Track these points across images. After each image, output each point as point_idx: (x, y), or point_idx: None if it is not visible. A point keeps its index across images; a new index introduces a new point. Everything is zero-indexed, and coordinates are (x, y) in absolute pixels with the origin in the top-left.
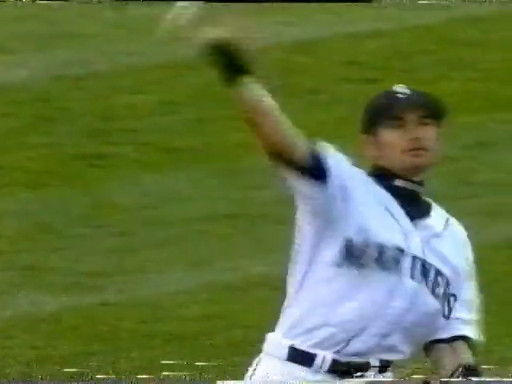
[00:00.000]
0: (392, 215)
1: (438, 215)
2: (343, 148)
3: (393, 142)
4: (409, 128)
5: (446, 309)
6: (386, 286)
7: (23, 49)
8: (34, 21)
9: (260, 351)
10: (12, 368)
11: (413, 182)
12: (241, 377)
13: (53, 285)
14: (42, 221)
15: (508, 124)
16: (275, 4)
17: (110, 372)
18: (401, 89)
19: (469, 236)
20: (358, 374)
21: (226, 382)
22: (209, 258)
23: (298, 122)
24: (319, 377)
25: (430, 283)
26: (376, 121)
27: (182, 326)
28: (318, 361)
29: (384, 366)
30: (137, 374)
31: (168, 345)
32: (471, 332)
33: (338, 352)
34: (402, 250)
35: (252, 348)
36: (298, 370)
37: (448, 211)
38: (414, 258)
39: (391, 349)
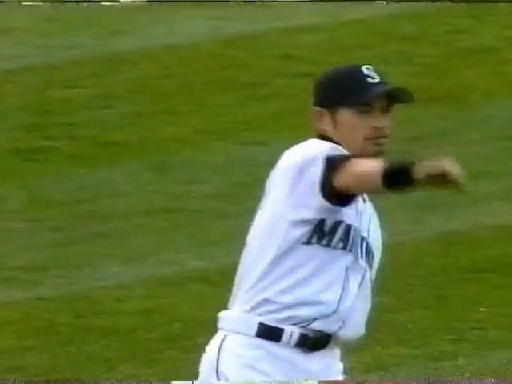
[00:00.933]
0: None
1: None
2: (280, 141)
3: (356, 126)
4: (374, 115)
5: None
6: (345, 266)
7: None
8: None
9: (215, 331)
10: None
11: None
12: (177, 370)
13: None
14: None
15: (443, 118)
16: None
17: (47, 367)
18: (368, 71)
19: (406, 230)
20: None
21: (180, 382)
22: (145, 252)
23: (234, 115)
24: (287, 351)
25: (373, 264)
26: (340, 99)
27: (118, 321)
28: (285, 336)
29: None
30: (77, 369)
31: (105, 339)
32: None
33: (305, 327)
34: (358, 231)
35: (189, 342)
36: (267, 344)
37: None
38: (363, 238)
39: (351, 327)
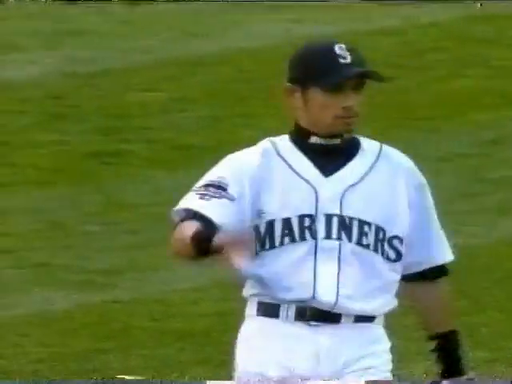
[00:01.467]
0: (301, 177)
1: (363, 158)
2: None
3: (326, 105)
4: (345, 94)
5: (392, 254)
6: (299, 256)
7: (34, 46)
8: (45, 18)
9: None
10: (24, 366)
11: (330, 137)
12: None
13: (65, 282)
14: (54, 218)
15: None
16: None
17: (120, 369)
18: (341, 50)
19: (482, 233)
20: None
21: (213, 381)
22: None
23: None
24: (289, 326)
25: (355, 236)
26: (311, 78)
27: (193, 323)
28: (282, 311)
29: (361, 317)
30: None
31: (179, 342)
32: (441, 259)
33: (301, 302)
34: (308, 215)
35: None
36: (268, 322)
37: (396, 150)
38: (328, 216)
39: (353, 301)
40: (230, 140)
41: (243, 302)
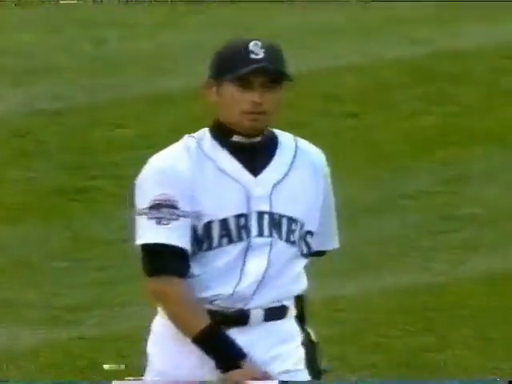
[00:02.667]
0: (232, 178)
1: (283, 155)
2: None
3: (235, 99)
4: (253, 90)
5: (305, 248)
6: (236, 255)
7: None
8: (9, 55)
9: None
10: None
11: (250, 136)
12: None
13: (31, 319)
14: (20, 255)
15: (486, 158)
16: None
17: None
18: (255, 47)
19: (448, 270)
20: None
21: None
22: None
23: None
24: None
25: (284, 233)
26: (223, 73)
27: None
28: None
29: (273, 313)
30: None
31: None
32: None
33: (211, 304)
34: (243, 215)
35: None
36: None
37: (299, 138)
38: (260, 214)
39: (266, 296)
40: None
41: None
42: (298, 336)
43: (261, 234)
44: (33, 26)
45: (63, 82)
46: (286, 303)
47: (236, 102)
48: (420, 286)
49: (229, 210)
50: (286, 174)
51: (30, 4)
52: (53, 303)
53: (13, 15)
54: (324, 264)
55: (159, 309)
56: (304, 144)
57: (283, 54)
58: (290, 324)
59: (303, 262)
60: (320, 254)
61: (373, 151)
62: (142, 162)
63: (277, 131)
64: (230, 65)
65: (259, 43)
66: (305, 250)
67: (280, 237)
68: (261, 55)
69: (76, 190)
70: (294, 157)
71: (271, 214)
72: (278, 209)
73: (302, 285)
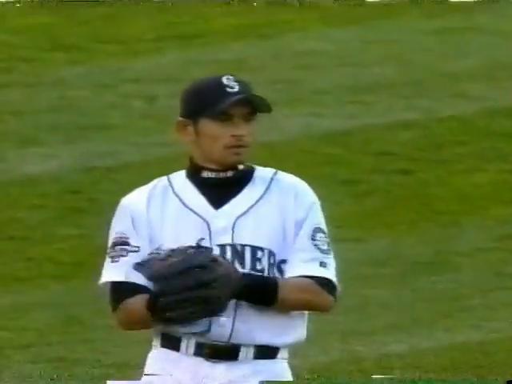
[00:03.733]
0: (194, 212)
1: (254, 188)
2: (377, 239)
3: (216, 135)
4: (234, 124)
5: (278, 275)
6: None
7: (53, 140)
8: (64, 112)
9: None
10: None
11: (221, 170)
12: None
13: (81, 377)
14: (71, 313)
15: None
16: (304, 95)
17: None
18: (229, 81)
19: (502, 328)
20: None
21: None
22: None
23: (330, 212)
24: (189, 361)
25: (249, 263)
26: (200, 110)
27: None
28: (182, 346)
29: (264, 351)
30: None
31: None
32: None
33: (201, 336)
34: (205, 248)
35: None
36: (171, 354)
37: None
38: (222, 246)
39: (253, 332)
40: None
41: None
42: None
43: None
44: (86, 82)
45: (116, 138)
46: (276, 342)
47: (218, 137)
48: (473, 344)
49: (187, 244)
50: (251, 206)
51: (82, 61)
52: (103, 361)
53: (66, 71)
54: (375, 320)
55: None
56: (283, 175)
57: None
58: (281, 366)
59: None
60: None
61: (426, 208)
62: None
63: (257, 167)
64: (208, 101)
65: (231, 77)
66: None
67: (243, 267)
68: (236, 88)
69: None
70: (267, 188)
71: (233, 246)
72: (240, 239)
73: (294, 328)
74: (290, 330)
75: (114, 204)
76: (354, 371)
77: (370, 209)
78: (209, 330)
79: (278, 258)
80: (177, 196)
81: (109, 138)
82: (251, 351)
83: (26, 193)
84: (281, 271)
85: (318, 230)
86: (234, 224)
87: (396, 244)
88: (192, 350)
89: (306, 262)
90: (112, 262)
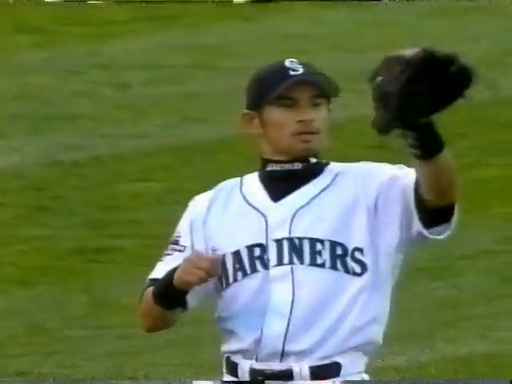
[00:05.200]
0: (253, 207)
1: (320, 181)
2: None
3: (281, 122)
4: (300, 108)
5: (355, 266)
6: (253, 289)
7: (15, 132)
8: (27, 101)
9: None
10: None
11: (289, 162)
12: None
13: None
14: (34, 322)
15: None
16: None
17: None
18: (292, 64)
19: (509, 338)
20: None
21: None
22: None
23: None
24: None
25: (308, 257)
26: (263, 97)
27: None
28: (239, 371)
29: (318, 372)
30: None
31: None
32: None
33: (255, 359)
34: (258, 245)
35: None
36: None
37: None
38: (278, 241)
39: (310, 350)
40: None
41: None
42: None
43: (280, 262)
44: (51, 67)
45: (85, 130)
46: (339, 359)
47: (283, 124)
48: (477, 355)
49: (241, 241)
50: (313, 198)
51: (47, 45)
52: (71, 375)
53: (29, 56)
54: None
55: None
56: (342, 165)
57: (327, 76)
58: None
59: (357, 283)
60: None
61: None
62: (171, 218)
63: (333, 163)
64: (270, 86)
65: (295, 60)
66: (358, 270)
67: (302, 261)
68: (300, 71)
69: (96, 249)
70: (333, 180)
71: (290, 240)
72: (298, 232)
73: (366, 316)
74: (361, 312)
75: (82, 202)
76: None
77: None
78: (260, 339)
79: (351, 246)
80: (241, 193)
81: (76, 130)
82: (306, 370)
83: None
84: (357, 261)
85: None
86: (294, 216)
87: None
88: (247, 375)
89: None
90: (160, 260)
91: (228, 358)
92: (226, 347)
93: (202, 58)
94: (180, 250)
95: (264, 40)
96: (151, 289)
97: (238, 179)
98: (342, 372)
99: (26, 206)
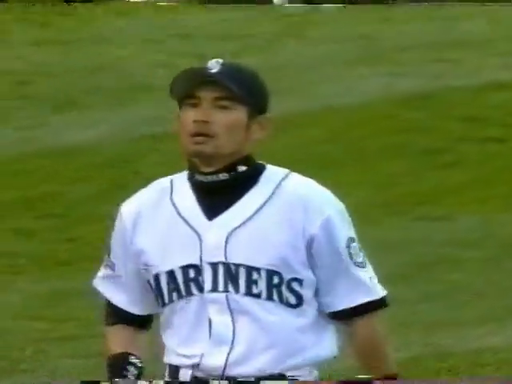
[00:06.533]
0: (186, 223)
1: (256, 195)
2: (466, 216)
3: (183, 122)
4: (200, 108)
5: (290, 297)
6: (191, 312)
7: (95, 105)
8: (106, 73)
9: None
10: None
11: (211, 173)
12: None
13: None
14: None
15: None
16: (382, 52)
17: None
18: (213, 64)
19: None
20: None
21: None
22: None
23: (410, 185)
24: None
25: (243, 286)
26: (178, 96)
27: None
28: (181, 376)
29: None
30: None
31: None
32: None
33: (195, 369)
34: (194, 266)
35: None
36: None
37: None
38: (213, 265)
39: (244, 364)
40: None
41: None
42: None
43: (215, 288)
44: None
45: (166, 102)
46: (286, 372)
47: (184, 124)
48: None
49: (175, 260)
50: (250, 218)
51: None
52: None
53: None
54: (465, 309)
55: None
56: (293, 180)
57: (254, 80)
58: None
59: (297, 313)
60: (343, 316)
61: None
62: None
63: (269, 166)
64: (183, 84)
65: (220, 60)
66: (293, 301)
67: (237, 290)
68: (214, 70)
69: None
70: (272, 194)
71: (226, 265)
72: (235, 258)
73: (306, 347)
74: (300, 343)
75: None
76: (440, 369)
77: (457, 182)
78: (199, 363)
79: (288, 276)
80: (172, 202)
81: (154, 102)
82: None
83: (64, 164)
84: (293, 291)
85: (350, 241)
86: (228, 238)
87: (488, 222)
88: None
89: (348, 289)
90: (103, 266)
91: (170, 365)
92: (167, 359)
93: (288, 28)
94: (110, 267)
95: (349, 9)
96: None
97: (168, 182)
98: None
99: (106, 181)
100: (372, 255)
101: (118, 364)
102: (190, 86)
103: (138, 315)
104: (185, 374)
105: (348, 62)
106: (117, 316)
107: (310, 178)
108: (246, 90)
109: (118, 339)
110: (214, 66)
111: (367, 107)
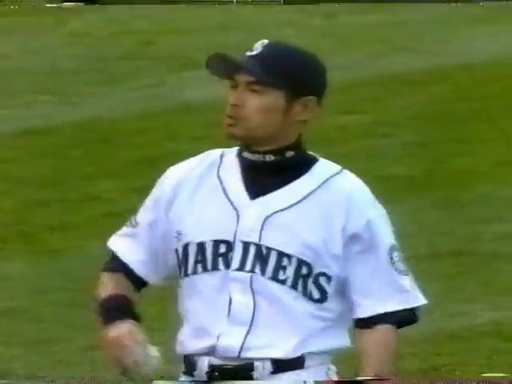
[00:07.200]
0: (228, 198)
1: (303, 184)
2: None
3: (226, 103)
4: (237, 92)
5: (314, 291)
6: (212, 287)
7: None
8: (230, 31)
9: None
10: None
11: (257, 152)
12: None
13: None
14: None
15: None
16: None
17: None
18: (258, 44)
19: None
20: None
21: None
22: (431, 302)
23: None
24: None
25: (271, 270)
26: (218, 76)
27: None
28: (198, 368)
29: (282, 363)
30: None
31: None
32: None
33: (212, 355)
34: (226, 242)
35: None
36: (186, 379)
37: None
38: (246, 244)
39: (261, 346)
40: (441, 169)
41: (455, 356)
42: None
43: (242, 267)
44: None
45: None
46: (300, 353)
47: (225, 105)
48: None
49: (208, 233)
50: (291, 205)
51: None
52: None
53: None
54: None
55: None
56: (341, 177)
57: (295, 63)
58: (314, 376)
59: (318, 308)
60: (367, 323)
61: None
62: (377, 152)
63: (323, 160)
64: (220, 65)
65: (266, 42)
66: (316, 295)
67: (263, 273)
68: (255, 52)
69: None
70: (318, 187)
71: (258, 246)
72: (268, 241)
73: (321, 344)
74: (317, 341)
75: None
76: None
77: None
78: (216, 343)
79: (317, 270)
80: (218, 177)
81: None
82: (267, 365)
83: (187, 123)
84: (319, 286)
85: (393, 248)
86: (265, 221)
87: None
88: (204, 372)
89: (383, 292)
90: (126, 225)
91: (186, 356)
92: (181, 349)
93: None
94: (133, 226)
95: None
96: (101, 298)
97: (218, 155)
98: (307, 363)
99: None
100: (499, 214)
101: (119, 307)
102: (223, 70)
103: (142, 279)
104: (201, 366)
105: (478, 20)
106: (121, 269)
107: (436, 135)
108: (279, 74)
109: (118, 284)
110: (256, 48)
111: (494, 65)
